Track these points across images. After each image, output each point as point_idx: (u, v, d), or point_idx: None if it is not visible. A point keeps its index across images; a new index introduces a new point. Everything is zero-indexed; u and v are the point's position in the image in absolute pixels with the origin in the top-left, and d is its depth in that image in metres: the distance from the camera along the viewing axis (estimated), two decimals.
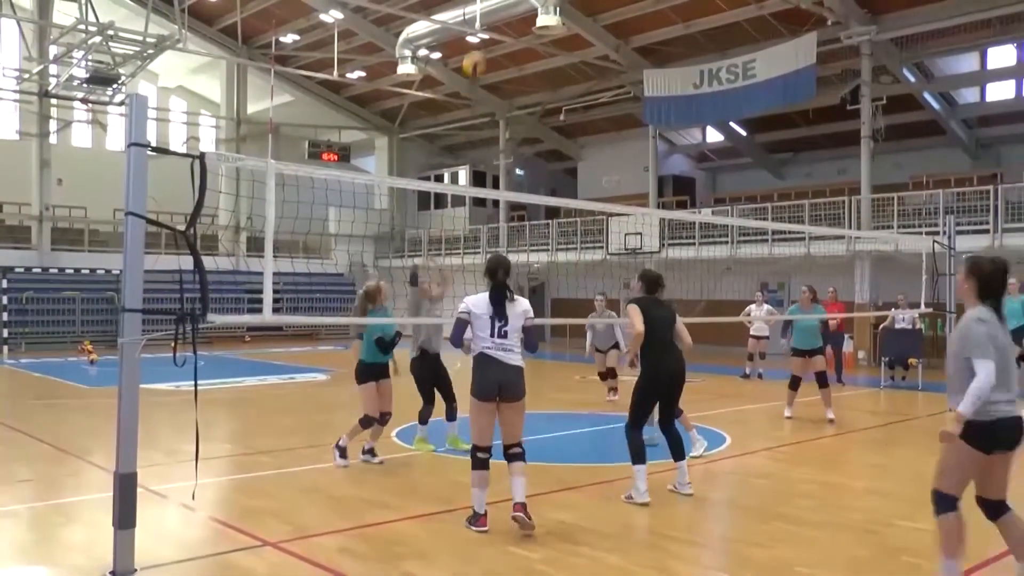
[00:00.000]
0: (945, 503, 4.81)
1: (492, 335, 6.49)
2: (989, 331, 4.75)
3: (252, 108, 34.87)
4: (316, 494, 7.72)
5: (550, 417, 12.49)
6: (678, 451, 7.72)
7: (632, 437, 7.52)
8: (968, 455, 4.74)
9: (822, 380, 12.23)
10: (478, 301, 6.59)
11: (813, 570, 5.68)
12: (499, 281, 6.59)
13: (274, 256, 6.22)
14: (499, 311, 6.53)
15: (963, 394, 4.65)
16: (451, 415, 9.67)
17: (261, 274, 6.30)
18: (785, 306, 22.06)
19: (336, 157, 35.42)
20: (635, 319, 7.44)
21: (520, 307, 6.68)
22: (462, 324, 6.60)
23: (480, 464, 6.58)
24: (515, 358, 6.54)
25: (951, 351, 4.91)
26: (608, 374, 14.21)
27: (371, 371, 8.90)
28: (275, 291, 6.11)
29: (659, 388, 7.65)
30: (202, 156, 5.14)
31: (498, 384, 6.45)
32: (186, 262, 5.24)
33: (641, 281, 7.85)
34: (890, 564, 5.67)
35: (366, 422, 8.83)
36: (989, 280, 4.92)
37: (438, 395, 9.65)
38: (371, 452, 9.01)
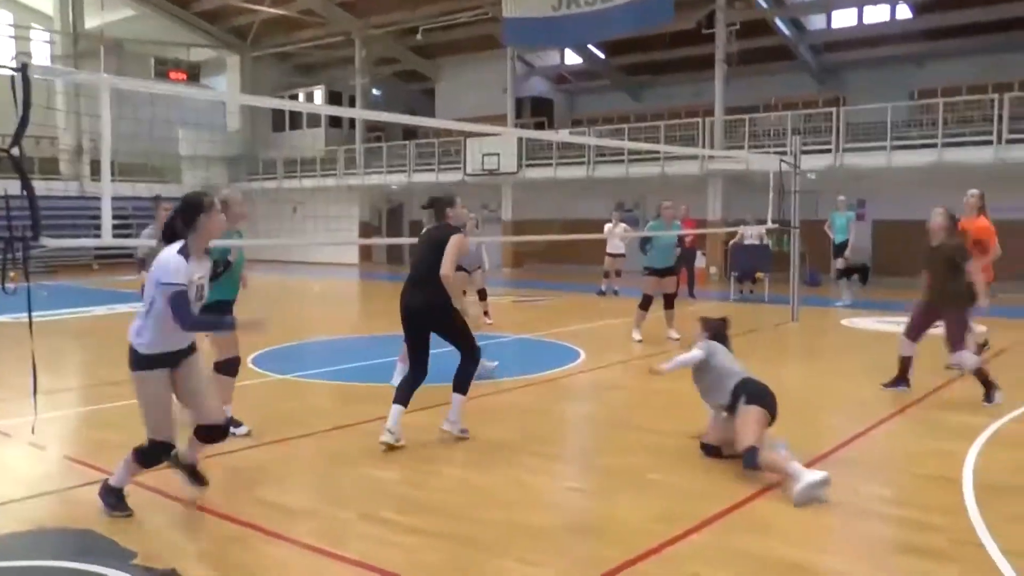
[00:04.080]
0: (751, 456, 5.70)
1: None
2: None
3: (91, 22, 32.75)
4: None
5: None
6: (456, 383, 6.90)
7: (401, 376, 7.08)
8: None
9: (670, 301, 12.27)
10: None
11: (664, 475, 5.91)
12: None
13: (119, 179, 5.91)
14: None
15: None
16: None
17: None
18: (641, 225, 22.57)
19: (185, 76, 33.95)
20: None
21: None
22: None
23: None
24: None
25: None
26: (480, 295, 13.82)
27: (218, 305, 6.67)
28: (123, 216, 5.83)
29: (404, 323, 6.89)
30: (24, 69, 4.80)
31: None
32: (13, 186, 4.93)
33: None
34: (737, 467, 5.94)
35: (226, 367, 6.93)
36: None
37: None
38: (234, 422, 6.93)
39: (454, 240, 6.68)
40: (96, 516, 5.07)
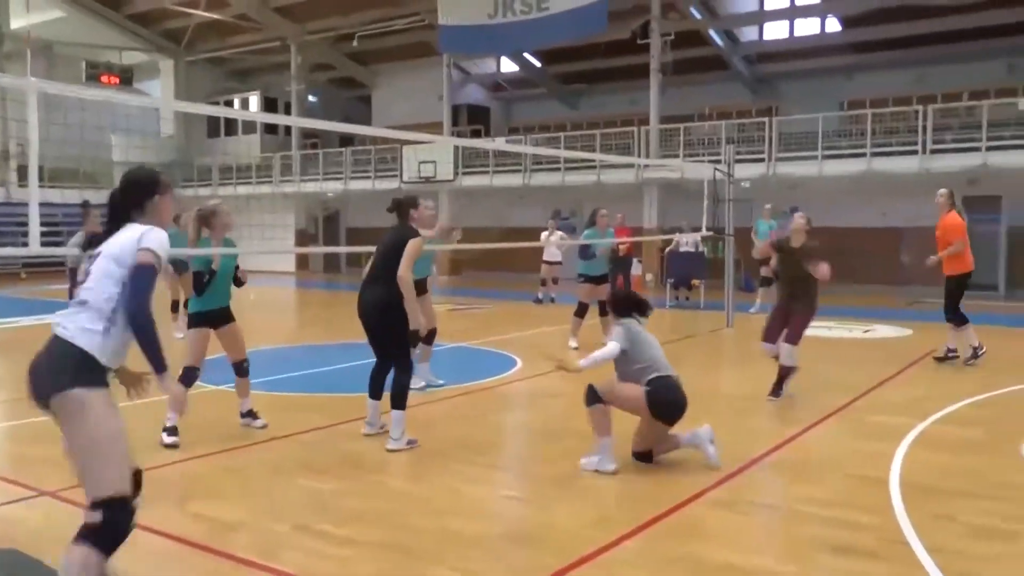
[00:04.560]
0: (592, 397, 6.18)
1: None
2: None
3: (16, 23, 31.94)
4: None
5: (346, 347, 12.40)
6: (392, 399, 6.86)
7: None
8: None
9: (604, 308, 12.26)
10: None
11: (600, 481, 5.95)
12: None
13: (48, 186, 5.75)
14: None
15: None
16: None
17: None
18: (578, 232, 22.70)
19: (118, 80, 33.30)
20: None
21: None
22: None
23: None
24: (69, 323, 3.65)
25: None
26: None
27: (206, 316, 7.16)
28: (52, 223, 5.67)
29: (360, 320, 7.06)
30: None
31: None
32: None
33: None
34: (671, 470, 5.99)
35: (187, 378, 7.01)
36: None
37: None
38: (252, 414, 7.53)
39: (412, 243, 6.81)
40: (20, 535, 4.93)
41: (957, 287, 10.78)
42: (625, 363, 6.28)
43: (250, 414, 7.48)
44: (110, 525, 3.48)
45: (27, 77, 5.20)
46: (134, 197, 3.94)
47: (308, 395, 9.07)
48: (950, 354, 10.94)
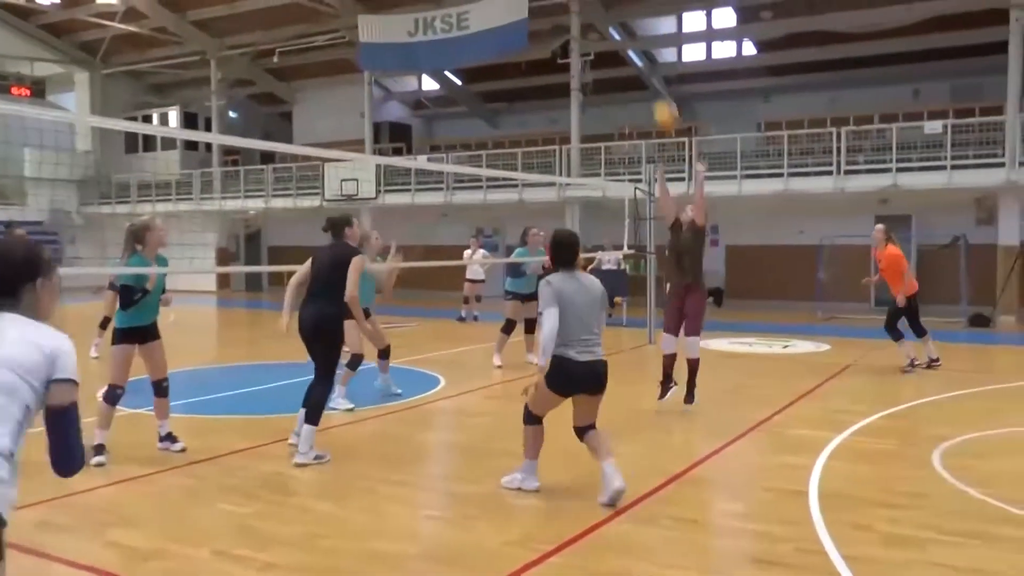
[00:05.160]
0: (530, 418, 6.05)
1: None
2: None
3: None
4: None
5: (267, 368, 12.21)
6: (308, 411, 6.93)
7: None
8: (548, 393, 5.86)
9: (531, 326, 12.12)
10: None
11: (522, 500, 5.94)
12: None
13: None
14: None
15: None
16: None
17: None
18: (500, 250, 22.77)
19: (29, 92, 32.28)
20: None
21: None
22: None
23: None
24: None
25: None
26: None
27: (135, 332, 7.00)
28: None
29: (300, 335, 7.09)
30: None
31: None
32: None
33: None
34: (591, 487, 6.01)
35: (110, 395, 6.93)
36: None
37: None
38: (171, 437, 7.31)
39: (356, 261, 7.05)
40: None
41: (910, 306, 11.58)
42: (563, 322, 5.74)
43: (169, 437, 7.27)
44: None
45: None
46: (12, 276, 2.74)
47: (228, 417, 8.89)
48: (915, 363, 11.65)
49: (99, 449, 6.79)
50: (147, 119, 32.88)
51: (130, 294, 6.89)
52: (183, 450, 7.19)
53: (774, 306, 21.45)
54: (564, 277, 5.91)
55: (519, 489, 6.06)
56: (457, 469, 7.23)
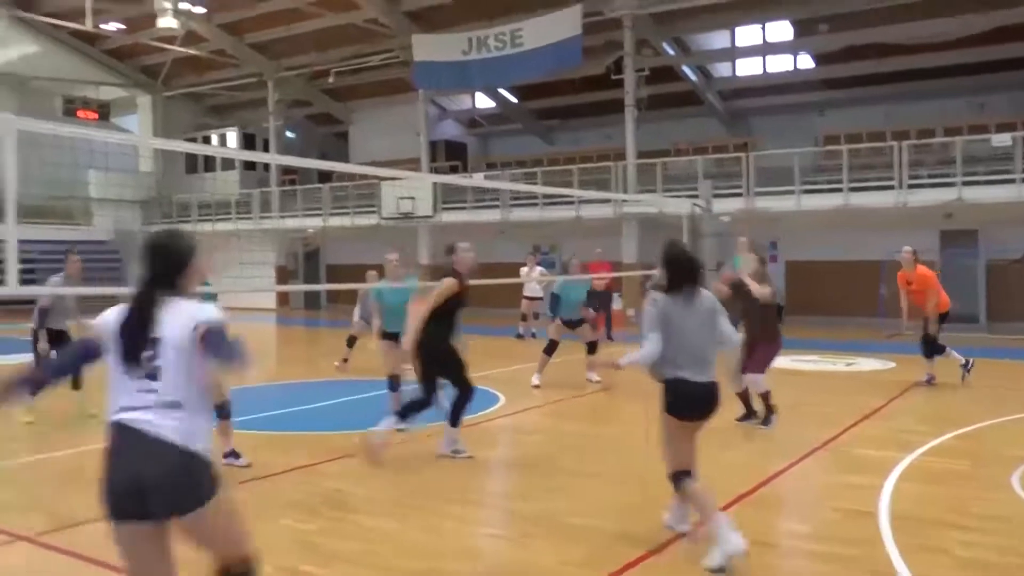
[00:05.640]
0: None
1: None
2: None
3: None
4: (80, 480, 7.16)
5: (325, 385, 12.27)
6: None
7: None
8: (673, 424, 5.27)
9: (593, 348, 12.14)
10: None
11: (585, 519, 5.84)
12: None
13: (25, 222, 5.60)
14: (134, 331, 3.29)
15: None
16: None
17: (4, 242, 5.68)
18: (557, 268, 22.71)
19: (95, 115, 33.04)
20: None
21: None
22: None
23: None
24: (165, 426, 3.18)
25: None
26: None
27: None
28: (28, 260, 5.50)
29: None
30: None
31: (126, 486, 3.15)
32: None
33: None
34: (656, 509, 5.92)
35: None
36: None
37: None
38: (234, 453, 7.43)
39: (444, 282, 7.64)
40: None
41: (939, 324, 11.63)
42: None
43: (232, 453, 7.38)
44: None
45: (5, 114, 5.12)
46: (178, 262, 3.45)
47: (289, 434, 8.94)
48: (931, 380, 11.67)
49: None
50: (207, 140, 33.51)
51: None
52: (248, 465, 7.29)
53: (835, 322, 21.09)
54: (672, 298, 5.31)
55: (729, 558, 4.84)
56: (516, 487, 7.17)
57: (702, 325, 5.31)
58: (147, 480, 3.09)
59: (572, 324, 12.13)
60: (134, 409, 3.18)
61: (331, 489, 6.64)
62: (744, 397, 9.08)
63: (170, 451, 3.12)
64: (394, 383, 9.11)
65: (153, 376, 3.20)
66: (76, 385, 9.30)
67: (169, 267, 3.39)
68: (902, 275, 11.74)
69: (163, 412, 3.16)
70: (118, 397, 3.25)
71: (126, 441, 3.17)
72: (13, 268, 5.67)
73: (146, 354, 3.21)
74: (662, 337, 5.18)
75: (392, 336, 9.24)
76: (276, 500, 6.38)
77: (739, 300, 8.97)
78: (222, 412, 7.27)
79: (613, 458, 7.59)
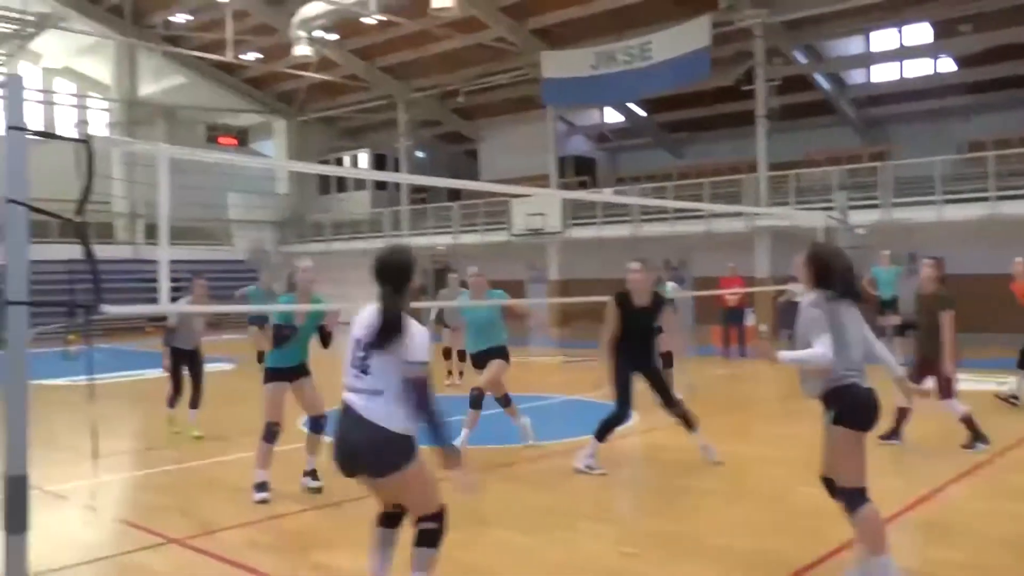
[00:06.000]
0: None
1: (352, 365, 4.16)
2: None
3: (144, 90, 33.83)
4: (221, 488, 7.52)
5: (455, 400, 12.43)
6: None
7: None
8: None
9: (669, 360, 11.13)
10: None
11: (727, 540, 5.76)
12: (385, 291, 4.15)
13: (172, 243, 5.92)
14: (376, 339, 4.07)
15: None
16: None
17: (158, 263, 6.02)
18: (688, 283, 22.47)
19: (235, 141, 34.58)
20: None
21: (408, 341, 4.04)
22: None
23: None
24: (375, 409, 4.04)
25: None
26: (459, 356, 14.18)
27: (281, 372, 7.14)
28: (176, 279, 5.83)
29: None
30: (88, 140, 4.89)
31: (342, 451, 4.18)
32: (78, 252, 5.01)
33: None
34: (793, 529, 5.79)
35: (268, 434, 7.06)
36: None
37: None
38: (312, 474, 7.27)
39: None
40: None
41: None
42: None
43: (312, 473, 7.21)
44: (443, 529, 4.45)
45: (158, 143, 5.50)
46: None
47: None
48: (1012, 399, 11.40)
49: (261, 487, 6.91)
50: (339, 162, 34.66)
51: (277, 331, 7.03)
52: (319, 489, 7.12)
53: (982, 340, 20.12)
54: (835, 299, 4.97)
55: None
56: (650, 505, 7.12)
57: (864, 330, 5.03)
58: (355, 448, 4.07)
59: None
60: (353, 391, 4.10)
61: (465, 502, 6.71)
62: (968, 422, 8.71)
63: (370, 428, 4.00)
64: (476, 400, 8.65)
65: (364, 371, 4.07)
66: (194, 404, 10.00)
67: (399, 279, 4.15)
68: (1016, 287, 11.63)
69: (369, 397, 4.04)
70: (345, 378, 4.15)
71: (346, 416, 4.12)
72: (165, 286, 5.99)
73: (358, 355, 4.10)
74: (833, 340, 4.78)
75: (476, 355, 8.84)
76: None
77: (917, 313, 8.87)
78: (316, 426, 7.25)
79: (747, 477, 7.45)
